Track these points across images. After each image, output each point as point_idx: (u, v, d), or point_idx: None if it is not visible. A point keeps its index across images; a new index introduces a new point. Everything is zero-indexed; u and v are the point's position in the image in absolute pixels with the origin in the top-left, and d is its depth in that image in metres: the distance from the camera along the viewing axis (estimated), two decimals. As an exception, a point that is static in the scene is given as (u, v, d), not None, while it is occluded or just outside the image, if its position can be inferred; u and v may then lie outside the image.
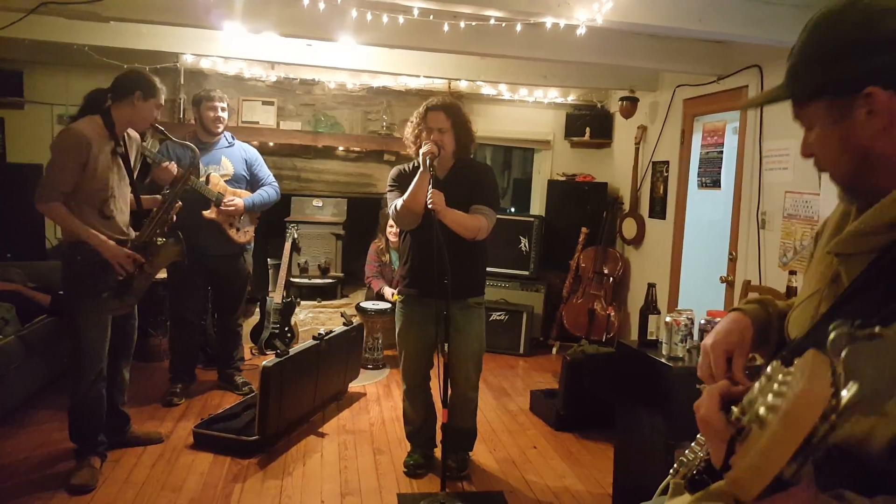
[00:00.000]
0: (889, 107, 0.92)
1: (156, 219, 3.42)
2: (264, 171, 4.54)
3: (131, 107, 3.22)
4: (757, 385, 0.83)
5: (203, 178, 4.21)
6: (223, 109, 4.29)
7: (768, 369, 0.80)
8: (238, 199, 4.28)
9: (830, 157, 1.01)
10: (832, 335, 0.70)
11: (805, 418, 0.68)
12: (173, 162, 3.84)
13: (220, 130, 4.32)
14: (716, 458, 0.87)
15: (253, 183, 4.48)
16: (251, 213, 4.42)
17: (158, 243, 3.42)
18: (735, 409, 0.86)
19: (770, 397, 0.75)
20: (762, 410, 0.74)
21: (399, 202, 3.20)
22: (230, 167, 4.35)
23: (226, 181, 4.31)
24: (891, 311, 0.77)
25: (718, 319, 2.86)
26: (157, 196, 3.54)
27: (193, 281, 4.30)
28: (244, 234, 4.40)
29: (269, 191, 4.47)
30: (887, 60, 0.92)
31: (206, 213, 4.17)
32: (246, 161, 4.45)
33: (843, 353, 0.69)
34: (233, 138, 4.49)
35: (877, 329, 0.68)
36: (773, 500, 0.75)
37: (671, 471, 1.11)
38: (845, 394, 0.67)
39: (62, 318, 4.48)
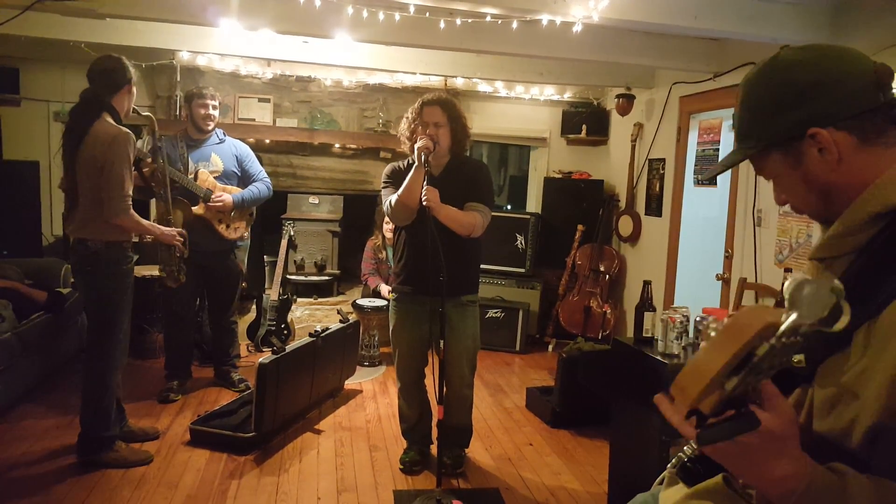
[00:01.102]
0: (833, 141, 1.01)
1: (164, 194, 3.71)
2: (255, 168, 4.53)
3: (128, 95, 3.30)
4: None
5: (192, 175, 4.21)
6: (214, 107, 4.29)
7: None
8: (226, 195, 4.27)
9: (800, 199, 1.10)
10: (785, 283, 0.79)
11: (743, 331, 0.77)
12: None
13: (210, 128, 4.32)
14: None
15: (244, 179, 4.47)
16: (242, 210, 4.41)
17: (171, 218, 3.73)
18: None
19: (714, 326, 0.84)
20: (712, 329, 0.84)
21: (393, 198, 3.19)
22: (220, 164, 4.34)
23: (215, 177, 4.30)
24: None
25: (713, 317, 2.88)
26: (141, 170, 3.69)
27: (185, 280, 4.25)
28: (234, 230, 4.39)
29: (259, 187, 4.46)
30: (815, 105, 1.02)
31: (194, 208, 4.17)
32: (237, 157, 4.44)
33: (789, 287, 0.78)
34: (224, 135, 4.47)
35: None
36: (774, 466, 0.83)
37: (669, 465, 1.12)
38: (785, 318, 0.76)
39: (59, 316, 4.49)
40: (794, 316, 0.76)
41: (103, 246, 3.20)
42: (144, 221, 3.34)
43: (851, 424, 0.89)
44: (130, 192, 3.18)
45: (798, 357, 0.98)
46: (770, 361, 0.76)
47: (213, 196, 4.21)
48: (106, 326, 3.27)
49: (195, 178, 4.20)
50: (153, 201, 4.32)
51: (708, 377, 0.78)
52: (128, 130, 3.18)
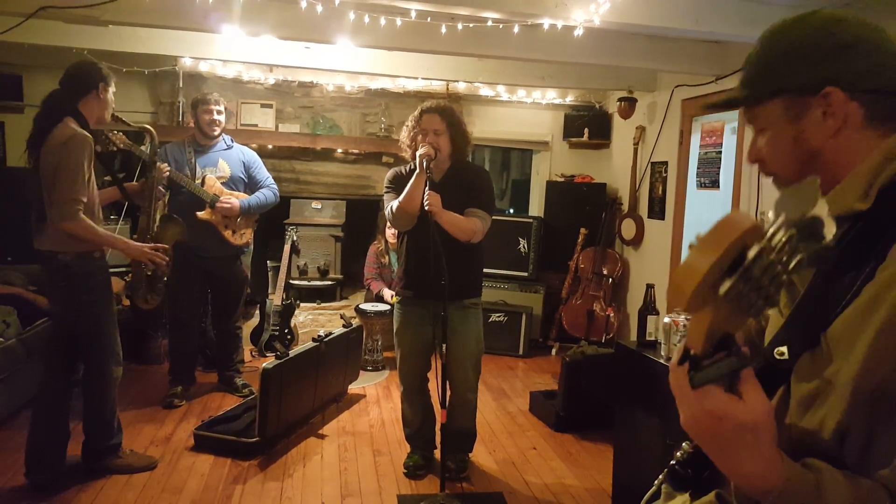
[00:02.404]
0: (844, 109, 0.97)
1: (150, 210, 3.58)
2: (263, 174, 4.55)
3: (97, 100, 3.16)
4: None
5: (199, 180, 4.23)
6: (219, 113, 4.32)
7: None
8: (234, 199, 4.28)
9: (780, 159, 1.06)
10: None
11: (733, 228, 0.76)
12: (167, 164, 3.95)
13: (216, 133, 4.34)
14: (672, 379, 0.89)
15: (251, 185, 4.49)
16: (248, 216, 4.42)
17: (156, 228, 3.55)
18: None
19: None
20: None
21: (395, 203, 3.22)
22: (227, 169, 4.37)
23: (222, 183, 4.32)
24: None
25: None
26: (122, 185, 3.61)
27: (189, 283, 4.31)
28: (240, 236, 4.40)
29: (266, 193, 4.48)
30: (845, 64, 0.97)
31: (199, 213, 4.18)
32: (244, 164, 4.46)
33: (776, 200, 0.79)
34: (232, 141, 4.50)
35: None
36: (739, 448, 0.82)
37: (656, 482, 1.11)
38: (773, 218, 0.76)
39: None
40: (781, 218, 0.75)
41: (74, 258, 3.03)
42: (101, 230, 3.07)
43: (821, 423, 0.89)
44: (82, 198, 2.95)
45: (781, 349, 0.97)
46: (762, 266, 0.74)
47: (220, 199, 4.23)
48: (93, 341, 3.16)
49: (202, 183, 4.22)
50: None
51: (700, 274, 0.76)
52: (86, 133, 3.00)
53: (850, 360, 0.86)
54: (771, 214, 0.78)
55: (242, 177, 4.44)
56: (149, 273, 3.39)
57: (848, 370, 0.86)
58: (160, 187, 3.76)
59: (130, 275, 3.53)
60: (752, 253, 0.74)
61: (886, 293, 0.84)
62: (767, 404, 0.85)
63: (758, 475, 0.83)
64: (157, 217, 3.70)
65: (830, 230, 0.95)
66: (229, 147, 4.45)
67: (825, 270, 0.96)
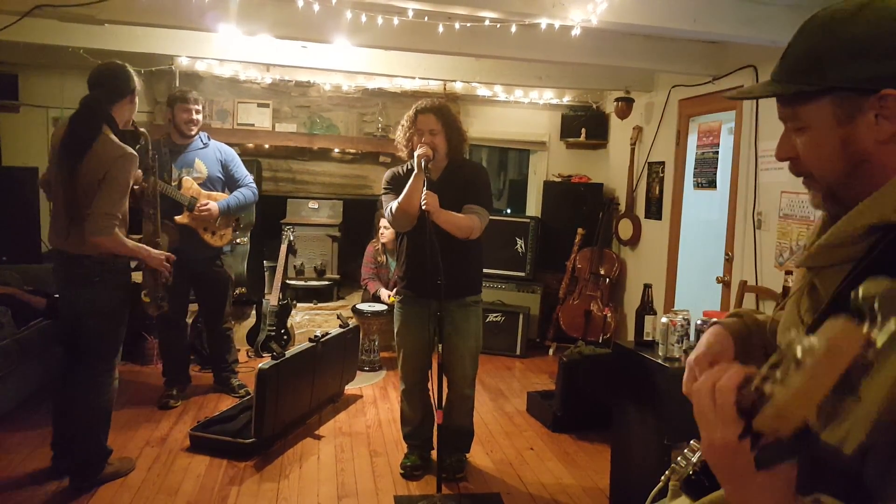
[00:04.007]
0: None
1: (154, 216, 3.56)
2: (241, 172, 4.44)
3: (129, 105, 3.18)
4: (773, 358, 0.81)
5: (175, 183, 4.14)
6: (197, 111, 4.21)
7: (782, 344, 0.79)
8: (212, 203, 4.19)
9: (823, 160, 0.97)
10: (860, 290, 0.70)
11: (846, 350, 0.68)
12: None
13: (193, 133, 4.23)
14: (720, 445, 0.83)
15: (229, 184, 4.39)
16: (227, 217, 4.34)
17: (159, 241, 3.53)
18: (745, 396, 0.84)
19: (799, 348, 0.73)
20: (798, 351, 0.73)
21: (394, 205, 3.22)
22: (204, 169, 4.27)
23: (199, 184, 4.23)
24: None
25: (715, 320, 2.87)
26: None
27: (172, 284, 4.16)
28: (220, 237, 4.33)
29: (245, 192, 4.39)
30: None
31: (178, 217, 4.09)
32: (221, 162, 4.36)
33: (878, 296, 0.69)
34: (208, 139, 4.38)
35: None
36: (755, 481, 0.77)
37: (663, 477, 1.10)
38: (879, 331, 0.68)
39: (56, 322, 4.48)
40: (892, 324, 0.66)
41: (109, 257, 3.06)
42: (130, 242, 3.09)
43: (842, 441, 0.85)
44: (119, 215, 3.00)
45: None
46: (859, 379, 0.71)
47: (198, 205, 4.14)
48: (103, 340, 3.13)
49: (179, 186, 4.13)
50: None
51: (816, 401, 0.70)
52: (133, 152, 3.05)
53: (882, 374, 0.80)
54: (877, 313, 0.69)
55: (220, 175, 4.34)
56: (163, 280, 3.40)
57: (879, 383, 0.80)
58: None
59: (143, 281, 3.49)
60: (856, 371, 0.69)
61: None
62: None
63: None
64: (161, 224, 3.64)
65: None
66: (205, 145, 4.33)
67: (851, 279, 0.91)
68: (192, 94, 4.24)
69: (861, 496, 0.83)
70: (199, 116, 4.26)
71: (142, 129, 3.55)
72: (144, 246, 3.26)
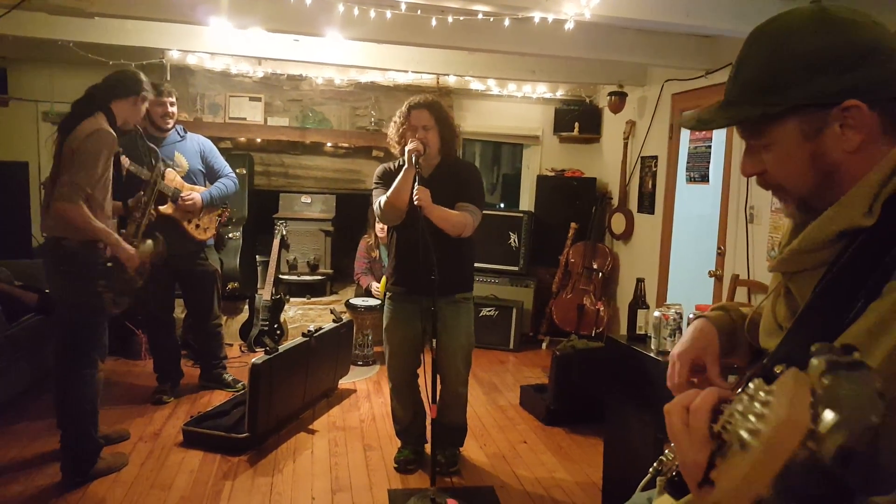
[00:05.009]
0: (868, 123, 0.90)
1: (140, 221, 3.52)
2: (220, 163, 4.41)
3: (132, 106, 3.26)
4: (739, 403, 0.82)
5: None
6: (172, 105, 4.14)
7: (750, 386, 0.80)
8: (195, 194, 4.16)
9: (794, 174, 0.97)
10: (814, 360, 0.69)
11: (785, 445, 0.68)
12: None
13: (169, 126, 4.17)
14: (692, 465, 0.85)
15: (210, 175, 4.36)
16: (210, 208, 4.31)
17: (136, 244, 3.44)
18: (715, 426, 0.85)
19: (752, 419, 0.74)
20: (745, 433, 0.74)
21: (383, 198, 3.20)
22: (184, 162, 4.22)
23: (181, 177, 4.19)
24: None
25: (699, 313, 2.88)
26: (126, 201, 3.60)
27: (156, 279, 3.99)
28: (203, 230, 4.30)
29: (226, 183, 4.36)
30: (866, 73, 0.89)
31: (162, 208, 4.03)
32: (200, 154, 4.32)
33: (826, 382, 0.68)
34: (184, 131, 4.32)
35: (856, 356, 0.68)
36: None
37: (651, 469, 1.11)
38: (824, 419, 0.67)
39: (50, 317, 4.45)
40: (832, 418, 0.65)
41: (80, 246, 3.05)
42: (97, 223, 3.04)
43: None
44: (87, 189, 2.98)
45: (782, 367, 0.95)
46: (803, 463, 0.69)
47: (182, 195, 4.10)
48: (82, 331, 3.14)
49: (162, 177, 4.03)
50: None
51: (753, 498, 0.71)
52: (109, 130, 3.07)
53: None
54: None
55: (201, 168, 4.30)
56: (126, 277, 3.30)
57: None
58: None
59: (109, 268, 3.34)
60: (799, 458, 0.68)
61: None
62: None
63: None
64: (143, 229, 3.59)
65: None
66: (182, 138, 4.27)
67: (826, 285, 0.92)
68: (166, 86, 4.15)
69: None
70: (174, 109, 4.18)
71: (137, 127, 3.56)
72: (115, 234, 3.22)
